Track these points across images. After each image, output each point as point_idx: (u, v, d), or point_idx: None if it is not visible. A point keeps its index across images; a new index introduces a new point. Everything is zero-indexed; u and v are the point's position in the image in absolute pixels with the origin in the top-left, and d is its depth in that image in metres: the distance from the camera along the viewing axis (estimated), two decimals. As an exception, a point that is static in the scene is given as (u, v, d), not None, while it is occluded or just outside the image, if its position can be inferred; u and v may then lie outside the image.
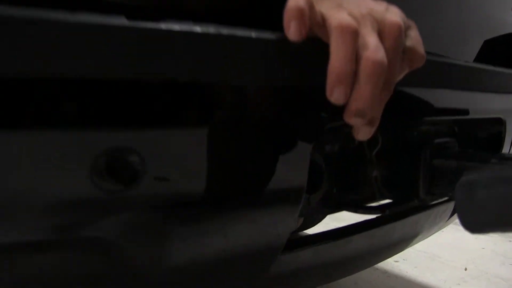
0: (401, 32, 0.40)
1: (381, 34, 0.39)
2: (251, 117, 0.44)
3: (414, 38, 0.43)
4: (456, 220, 2.36)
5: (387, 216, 0.67)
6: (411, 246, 0.80)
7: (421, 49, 0.44)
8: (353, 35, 0.37)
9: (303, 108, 0.46)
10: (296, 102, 0.46)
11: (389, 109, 0.55)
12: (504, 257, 1.73)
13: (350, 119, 0.40)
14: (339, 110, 0.40)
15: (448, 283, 1.47)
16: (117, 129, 0.36)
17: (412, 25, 0.43)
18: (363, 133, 0.44)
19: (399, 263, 1.64)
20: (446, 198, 0.71)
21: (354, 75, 0.38)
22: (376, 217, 0.65)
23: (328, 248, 0.58)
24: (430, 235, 0.92)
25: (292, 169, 0.47)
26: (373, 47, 0.38)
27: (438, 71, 0.63)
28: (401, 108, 0.56)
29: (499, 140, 0.78)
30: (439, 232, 2.00)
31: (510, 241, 1.92)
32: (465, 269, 1.59)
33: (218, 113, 0.41)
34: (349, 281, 1.48)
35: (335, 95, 0.38)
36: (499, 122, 0.76)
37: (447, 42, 0.71)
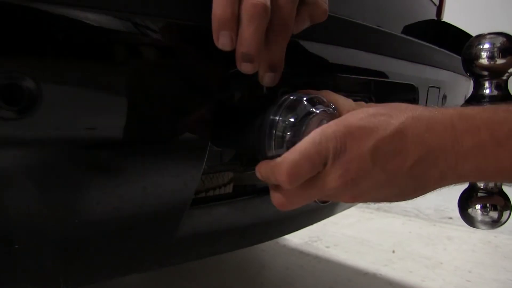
0: None
1: None
2: (146, 55, 0.41)
3: None
4: (385, 207, 2.41)
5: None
6: (332, 214, 0.80)
7: (323, 3, 0.44)
8: None
9: (201, 52, 0.44)
10: (196, 47, 0.44)
11: (298, 64, 0.55)
12: (428, 239, 1.81)
13: (239, 65, 0.40)
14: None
15: (376, 265, 1.51)
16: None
17: None
18: (267, 79, 0.44)
19: (330, 248, 1.66)
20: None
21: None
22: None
23: (242, 207, 0.56)
24: (352, 205, 0.93)
25: (193, 115, 0.45)
26: None
27: (349, 31, 0.64)
28: (310, 63, 0.56)
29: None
30: (368, 218, 2.08)
31: (434, 225, 2.02)
32: (393, 251, 1.64)
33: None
34: (280, 266, 1.48)
35: (221, 41, 0.38)
36: (412, 89, 0.79)
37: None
